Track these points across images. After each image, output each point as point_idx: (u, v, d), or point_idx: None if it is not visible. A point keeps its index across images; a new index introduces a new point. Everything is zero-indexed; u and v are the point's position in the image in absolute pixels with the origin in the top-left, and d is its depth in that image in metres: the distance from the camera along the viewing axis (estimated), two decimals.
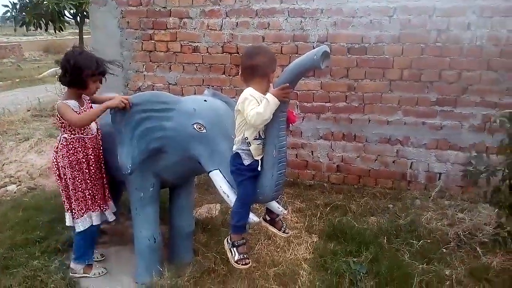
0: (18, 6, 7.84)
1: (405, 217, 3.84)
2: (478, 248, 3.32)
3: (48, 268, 3.12)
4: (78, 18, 8.10)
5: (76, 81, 2.76)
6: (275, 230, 2.70)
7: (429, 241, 3.45)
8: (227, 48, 4.72)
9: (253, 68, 2.31)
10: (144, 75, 5.15)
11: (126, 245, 3.47)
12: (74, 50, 2.84)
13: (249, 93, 2.27)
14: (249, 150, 2.31)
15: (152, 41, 5.02)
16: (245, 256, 2.39)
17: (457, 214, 3.82)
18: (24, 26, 7.89)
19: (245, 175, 2.35)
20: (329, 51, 2.08)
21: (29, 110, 9.01)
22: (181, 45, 4.91)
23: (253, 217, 2.46)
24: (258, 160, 2.33)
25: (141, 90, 5.12)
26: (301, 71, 2.20)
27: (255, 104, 2.22)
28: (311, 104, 4.63)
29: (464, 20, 4.04)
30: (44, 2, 7.40)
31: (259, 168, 2.33)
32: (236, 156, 2.36)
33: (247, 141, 2.32)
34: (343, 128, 4.60)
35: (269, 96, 2.17)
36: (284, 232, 2.70)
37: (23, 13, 7.77)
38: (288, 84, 2.17)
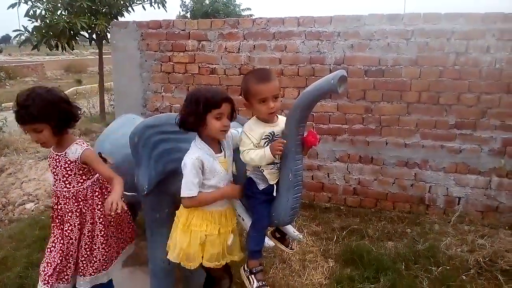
0: (30, 29, 8.18)
1: (423, 243, 3.76)
2: (499, 276, 3.23)
3: None
4: (95, 36, 8.34)
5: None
6: (282, 246, 2.63)
7: (448, 268, 3.37)
8: (244, 70, 4.76)
9: (246, 93, 2.26)
10: (163, 96, 5.22)
11: (141, 266, 3.46)
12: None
13: (246, 130, 2.26)
14: (263, 175, 2.30)
15: (171, 63, 5.10)
16: (263, 283, 2.34)
17: (477, 240, 3.74)
18: (35, 45, 8.20)
19: (260, 198, 2.33)
20: (347, 76, 2.07)
21: None
22: (199, 67, 4.98)
23: (268, 242, 2.42)
24: (273, 185, 2.31)
25: (159, 110, 5.18)
26: (318, 94, 2.18)
27: (249, 145, 2.22)
28: (328, 126, 4.62)
29: (483, 43, 4.01)
30: (57, 23, 7.67)
31: (274, 194, 2.31)
32: (250, 180, 2.35)
33: (259, 167, 2.31)
34: (360, 150, 4.56)
35: (267, 150, 2.18)
36: (290, 248, 2.65)
37: (34, 33, 8.09)
38: (285, 141, 2.17)
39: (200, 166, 2.22)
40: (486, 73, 4.06)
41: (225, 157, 2.33)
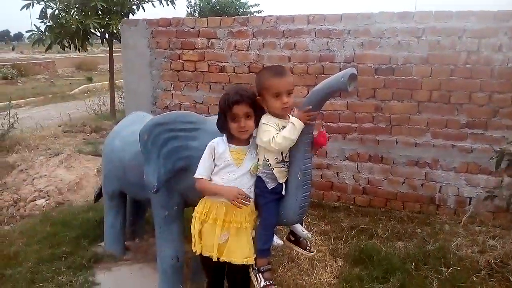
0: (42, 29, 8.25)
1: (433, 243, 3.72)
2: (510, 278, 3.18)
3: (73, 284, 3.15)
4: (107, 35, 8.38)
5: None
6: (300, 250, 2.65)
7: (458, 268, 3.32)
8: (253, 68, 4.76)
9: (260, 87, 2.29)
10: (172, 93, 5.24)
11: (149, 263, 3.48)
12: None
13: (264, 122, 2.27)
14: (272, 173, 2.29)
15: (180, 60, 5.12)
16: (271, 282, 2.34)
17: (488, 241, 3.69)
18: (48, 46, 8.26)
19: (268, 197, 2.33)
20: (356, 74, 2.06)
21: (60, 126, 9.29)
22: (209, 64, 4.99)
23: (277, 240, 2.43)
24: (282, 184, 2.30)
25: (168, 108, 5.20)
26: (328, 92, 2.18)
27: (276, 131, 2.22)
28: (337, 124, 4.60)
29: (495, 41, 3.96)
30: (70, 23, 7.73)
31: (283, 192, 2.30)
32: (259, 179, 2.34)
33: (268, 163, 2.30)
34: (370, 149, 4.54)
35: (294, 120, 2.17)
36: (309, 251, 2.65)
37: (47, 33, 8.15)
38: (311, 107, 2.15)
39: (213, 151, 2.33)
40: (498, 72, 4.00)
41: (243, 149, 2.35)
